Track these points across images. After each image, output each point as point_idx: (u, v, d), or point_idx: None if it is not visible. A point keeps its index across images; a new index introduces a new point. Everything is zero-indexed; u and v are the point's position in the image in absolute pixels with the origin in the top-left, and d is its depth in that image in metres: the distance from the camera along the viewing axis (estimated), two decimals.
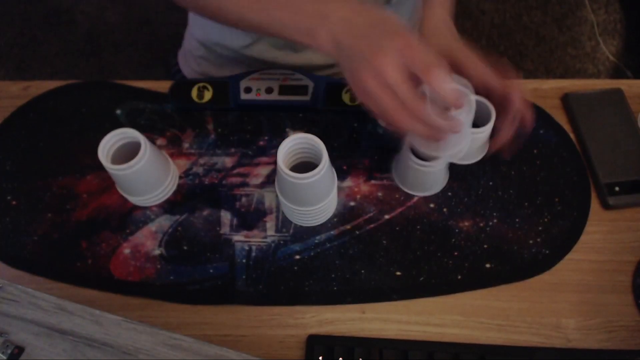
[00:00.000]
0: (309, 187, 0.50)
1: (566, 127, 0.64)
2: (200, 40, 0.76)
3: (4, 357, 0.43)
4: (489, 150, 0.58)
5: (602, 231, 0.58)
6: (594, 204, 0.59)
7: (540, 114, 0.64)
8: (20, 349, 0.44)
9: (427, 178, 0.57)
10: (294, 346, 0.53)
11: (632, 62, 1.54)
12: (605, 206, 0.59)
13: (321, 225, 0.58)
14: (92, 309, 0.46)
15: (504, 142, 0.54)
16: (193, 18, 0.78)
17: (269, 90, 0.65)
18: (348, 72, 0.46)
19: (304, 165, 0.52)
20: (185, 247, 0.57)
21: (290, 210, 0.56)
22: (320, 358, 0.51)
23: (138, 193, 0.58)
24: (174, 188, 0.61)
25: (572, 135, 0.63)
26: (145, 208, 0.60)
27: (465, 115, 0.48)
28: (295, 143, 0.51)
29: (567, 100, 0.65)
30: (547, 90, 0.67)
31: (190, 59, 0.81)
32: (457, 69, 0.53)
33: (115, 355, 0.44)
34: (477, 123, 0.54)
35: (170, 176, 0.59)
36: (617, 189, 0.59)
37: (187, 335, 0.46)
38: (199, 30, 0.76)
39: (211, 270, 0.56)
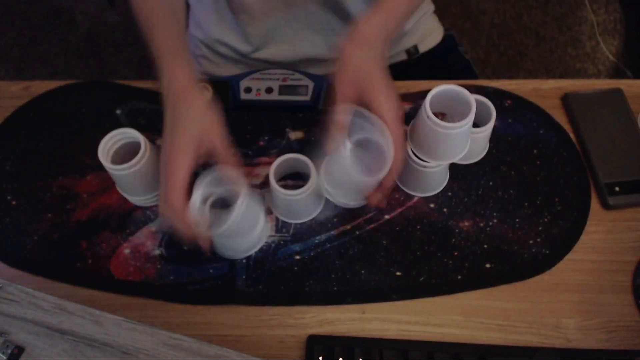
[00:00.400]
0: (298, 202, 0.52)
1: (566, 127, 0.64)
2: (201, 39, 0.76)
3: (4, 357, 0.43)
4: (369, 204, 0.55)
5: (602, 231, 0.58)
6: (594, 204, 0.59)
7: (540, 114, 0.64)
8: (20, 349, 0.44)
9: (427, 178, 0.57)
10: (294, 346, 0.53)
11: (632, 62, 1.54)
12: (605, 206, 0.59)
13: (321, 225, 0.58)
14: (92, 309, 0.46)
15: (381, 194, 0.52)
16: (193, 17, 0.78)
17: (269, 90, 0.65)
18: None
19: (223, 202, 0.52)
20: (185, 247, 0.57)
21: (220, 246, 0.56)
22: (320, 358, 0.51)
23: (138, 193, 0.58)
24: None
25: (572, 135, 0.63)
26: (146, 208, 0.60)
27: (464, 122, 0.48)
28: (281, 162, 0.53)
29: (567, 100, 0.65)
30: (547, 90, 0.67)
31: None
32: (364, 97, 0.49)
33: (115, 355, 0.44)
34: (477, 123, 0.54)
35: None
36: (617, 189, 0.59)
37: (187, 335, 0.46)
38: (198, 30, 0.76)
39: (211, 270, 0.56)
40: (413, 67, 0.79)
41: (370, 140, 0.49)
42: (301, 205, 0.56)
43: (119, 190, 0.59)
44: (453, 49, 0.83)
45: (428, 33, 0.80)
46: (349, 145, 0.48)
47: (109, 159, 0.54)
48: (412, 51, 0.79)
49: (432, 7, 0.81)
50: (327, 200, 0.59)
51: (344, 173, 0.50)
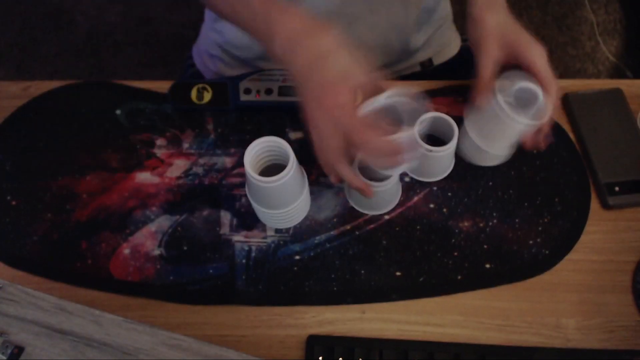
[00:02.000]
0: (278, 190, 0.51)
1: (566, 127, 0.64)
2: (218, 43, 0.75)
3: (4, 358, 0.43)
4: (525, 146, 0.57)
5: (602, 231, 0.58)
6: (594, 204, 0.59)
7: None
8: (20, 349, 0.44)
9: (377, 197, 0.56)
10: (294, 346, 0.53)
11: (632, 62, 1.54)
12: (605, 206, 0.59)
13: (321, 225, 0.58)
14: (92, 309, 0.46)
15: (541, 135, 0.55)
16: (210, 19, 0.76)
17: (269, 92, 0.65)
18: (300, 97, 0.47)
19: (275, 168, 0.52)
20: (185, 247, 0.57)
21: (263, 214, 0.56)
22: (320, 358, 0.51)
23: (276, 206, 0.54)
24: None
25: (572, 135, 0.63)
26: (145, 208, 0.59)
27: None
28: (261, 146, 0.51)
29: (567, 100, 0.65)
30: None
31: (205, 57, 0.80)
32: (514, 53, 0.55)
33: (115, 356, 0.44)
34: (442, 139, 0.54)
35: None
36: (617, 188, 0.59)
37: (187, 335, 0.46)
38: (213, 32, 0.75)
39: (211, 271, 0.56)
40: (428, 77, 0.78)
41: (520, 92, 0.53)
42: (282, 195, 0.54)
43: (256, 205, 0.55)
44: (470, 61, 0.82)
45: (444, 46, 0.79)
46: (501, 96, 0.52)
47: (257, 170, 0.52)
48: (427, 64, 0.78)
49: (450, 18, 0.80)
50: (326, 200, 0.59)
51: (499, 122, 0.53)
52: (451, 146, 0.56)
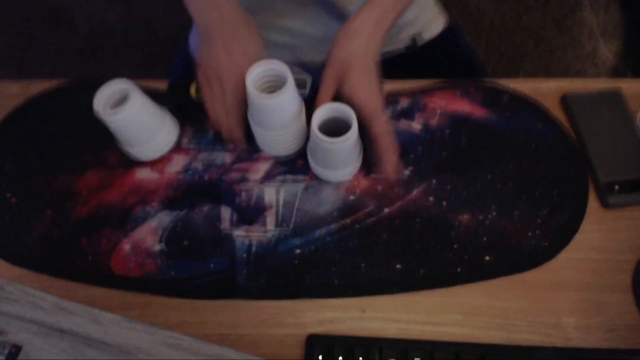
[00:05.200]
0: (278, 108, 0.53)
1: (566, 127, 0.64)
2: None
3: (2, 358, 0.43)
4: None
5: (601, 230, 0.58)
6: (594, 203, 0.59)
7: (537, 108, 0.64)
8: (17, 348, 0.44)
9: (334, 156, 0.57)
10: (294, 345, 0.52)
11: (632, 63, 1.54)
12: (605, 205, 0.59)
13: (321, 219, 0.58)
14: (91, 308, 0.46)
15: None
16: None
17: None
18: None
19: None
20: (185, 243, 0.57)
21: (262, 136, 0.58)
22: (320, 357, 0.51)
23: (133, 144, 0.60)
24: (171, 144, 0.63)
25: (571, 135, 0.63)
26: (145, 204, 0.59)
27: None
28: (262, 70, 0.53)
29: (566, 101, 0.65)
30: (546, 91, 0.66)
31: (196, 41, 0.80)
32: (343, 89, 0.54)
33: (114, 355, 0.44)
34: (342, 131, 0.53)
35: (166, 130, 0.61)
36: (616, 188, 0.59)
37: (186, 335, 0.46)
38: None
39: (212, 266, 0.56)
40: (414, 58, 0.79)
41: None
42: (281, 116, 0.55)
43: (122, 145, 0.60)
44: (454, 40, 0.81)
45: (428, 23, 0.79)
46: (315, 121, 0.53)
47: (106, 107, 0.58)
48: (412, 43, 0.78)
49: None
50: (326, 193, 0.59)
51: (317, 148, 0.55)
52: (350, 136, 0.52)
